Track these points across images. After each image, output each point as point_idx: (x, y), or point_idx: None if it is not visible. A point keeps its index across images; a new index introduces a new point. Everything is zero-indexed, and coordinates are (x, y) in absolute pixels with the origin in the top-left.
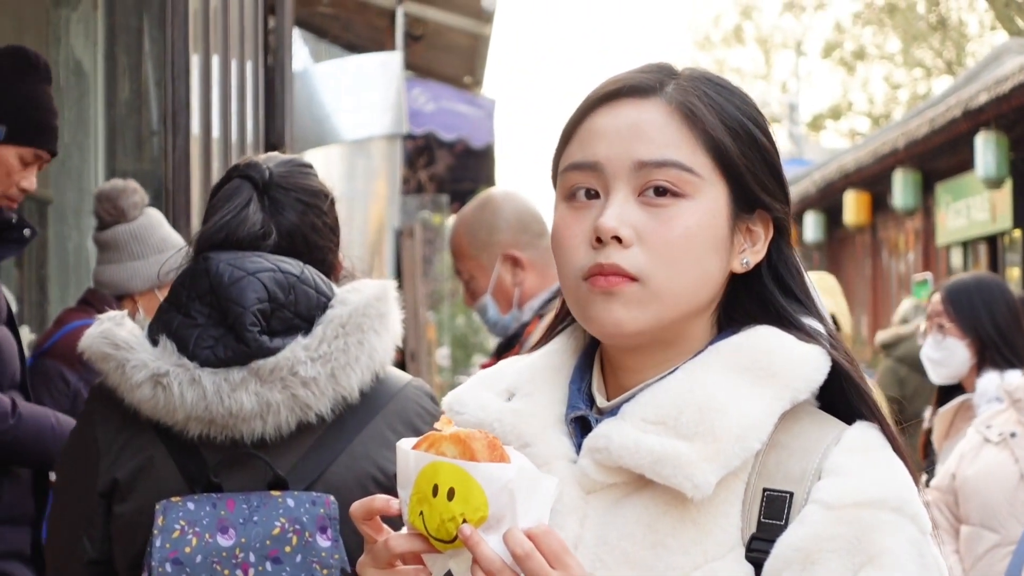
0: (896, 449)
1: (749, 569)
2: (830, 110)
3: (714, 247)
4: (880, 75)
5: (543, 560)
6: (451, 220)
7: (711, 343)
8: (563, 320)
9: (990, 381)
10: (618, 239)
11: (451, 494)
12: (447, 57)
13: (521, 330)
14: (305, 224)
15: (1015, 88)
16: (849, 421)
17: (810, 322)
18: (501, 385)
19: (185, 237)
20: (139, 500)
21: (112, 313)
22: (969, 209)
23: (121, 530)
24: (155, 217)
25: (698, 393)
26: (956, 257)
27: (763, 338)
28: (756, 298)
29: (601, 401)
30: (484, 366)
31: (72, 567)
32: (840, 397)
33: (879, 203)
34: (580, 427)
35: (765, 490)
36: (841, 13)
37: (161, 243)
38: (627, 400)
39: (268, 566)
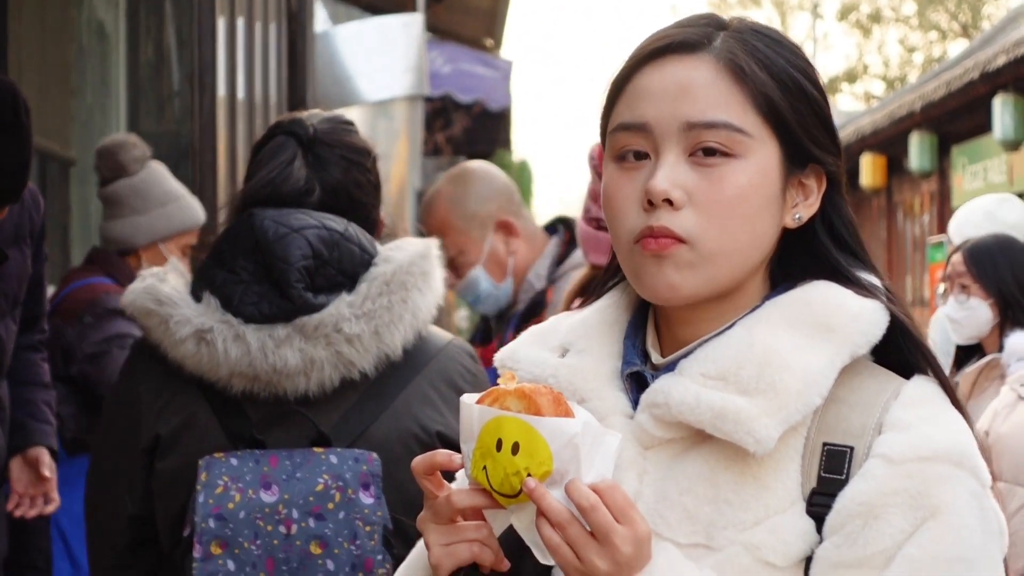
0: (955, 403)
1: (810, 523)
2: (845, 73)
3: (766, 205)
4: (895, 38)
5: (608, 513)
6: None
7: (767, 298)
8: (614, 276)
9: (1019, 340)
10: (669, 201)
11: (515, 448)
12: (467, 19)
13: (541, 297)
14: (349, 181)
15: None
16: (904, 375)
17: (866, 276)
18: (554, 341)
19: (211, 195)
20: (181, 456)
21: (155, 269)
22: (986, 171)
23: (163, 486)
24: (157, 171)
25: (757, 348)
26: None
27: (821, 293)
28: (810, 252)
29: (656, 357)
30: (488, 351)
31: (112, 522)
32: (896, 351)
33: (895, 166)
34: (636, 383)
35: (825, 444)
36: None
37: (164, 196)
38: (684, 356)
39: (311, 522)
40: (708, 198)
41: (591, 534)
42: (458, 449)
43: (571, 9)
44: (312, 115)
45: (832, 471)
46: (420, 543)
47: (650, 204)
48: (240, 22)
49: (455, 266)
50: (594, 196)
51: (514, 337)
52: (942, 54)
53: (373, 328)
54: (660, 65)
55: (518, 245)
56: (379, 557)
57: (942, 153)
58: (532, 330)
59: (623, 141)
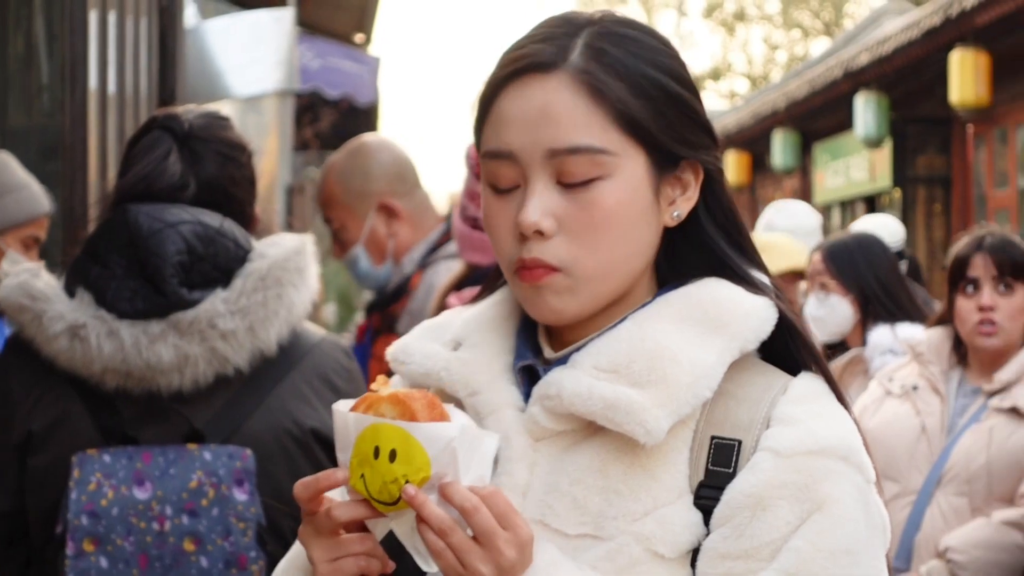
0: (839, 399)
1: (697, 515)
2: (710, 71)
3: (640, 216)
4: (759, 36)
5: (491, 516)
6: None
7: (658, 294)
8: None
9: (882, 334)
10: (540, 232)
11: (392, 455)
12: (338, 13)
13: (406, 283)
14: (224, 176)
15: (896, 49)
16: (790, 372)
17: (754, 272)
18: (447, 335)
19: (81, 191)
20: (54, 452)
21: (29, 264)
22: (848, 169)
23: (35, 483)
24: None
25: (649, 342)
26: (835, 216)
27: (713, 289)
28: (697, 246)
29: (548, 352)
30: (360, 328)
31: None
32: (783, 348)
33: (758, 163)
34: (528, 377)
35: (713, 438)
36: None
37: None
38: (576, 350)
39: (185, 519)
40: (579, 224)
41: (474, 539)
42: (333, 446)
43: (440, 3)
44: (187, 110)
45: (720, 464)
46: (297, 544)
47: (522, 235)
48: (112, 16)
49: (339, 240)
50: (470, 195)
51: (379, 321)
52: (805, 53)
53: (248, 324)
54: (520, 87)
55: (399, 228)
56: (252, 554)
57: (805, 150)
58: (425, 324)
59: (492, 169)
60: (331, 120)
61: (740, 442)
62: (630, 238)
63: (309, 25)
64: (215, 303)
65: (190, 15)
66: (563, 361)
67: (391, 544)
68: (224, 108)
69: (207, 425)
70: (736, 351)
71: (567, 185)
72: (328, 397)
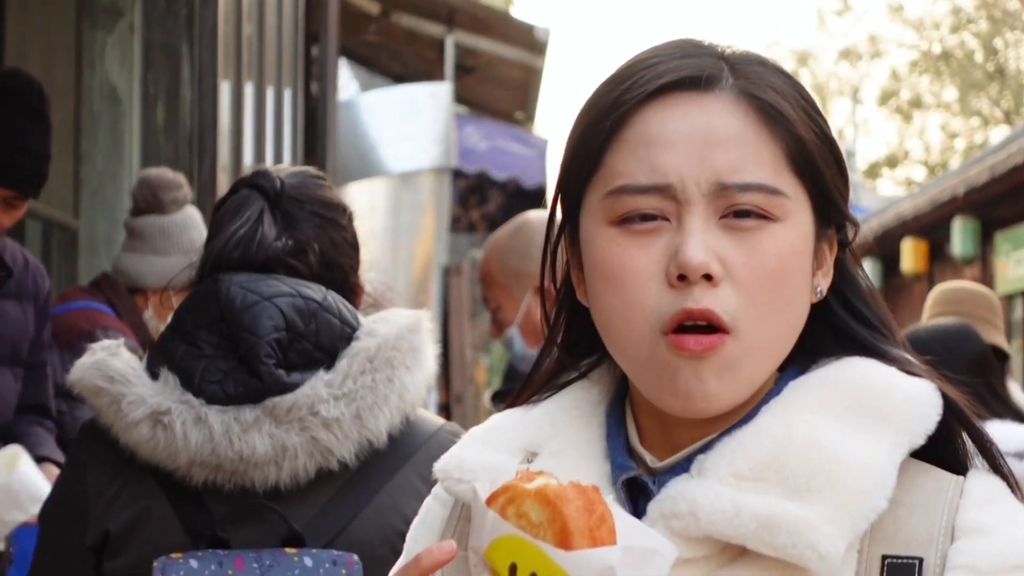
0: (1020, 499)
1: None
2: (886, 158)
3: (805, 278)
4: (937, 124)
5: None
6: None
7: (784, 379)
8: (560, 372)
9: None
10: (707, 276)
11: None
12: (499, 91)
13: None
14: (323, 240)
15: None
16: (949, 468)
17: (895, 351)
18: (514, 443)
19: None
20: (134, 555)
21: (106, 342)
22: None
23: None
24: (192, 217)
25: (798, 439)
26: (1018, 307)
27: (860, 372)
28: (827, 327)
29: (650, 459)
30: (508, 405)
31: None
32: (944, 441)
33: (936, 251)
34: (627, 492)
35: (885, 557)
36: (897, 61)
37: (190, 244)
38: (697, 453)
39: None
40: (749, 271)
41: None
42: None
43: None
44: (279, 168)
45: None
46: None
47: (680, 279)
48: (249, 86)
49: (496, 320)
50: None
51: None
52: (984, 140)
53: (354, 411)
54: (670, 106)
55: None
56: None
57: (985, 239)
58: (474, 431)
59: (632, 204)
60: (499, 202)
61: (921, 560)
62: (795, 301)
63: (468, 102)
64: (317, 387)
65: (343, 89)
66: (681, 470)
67: None
68: (377, 185)
69: (308, 526)
70: (905, 448)
71: (732, 224)
72: None
